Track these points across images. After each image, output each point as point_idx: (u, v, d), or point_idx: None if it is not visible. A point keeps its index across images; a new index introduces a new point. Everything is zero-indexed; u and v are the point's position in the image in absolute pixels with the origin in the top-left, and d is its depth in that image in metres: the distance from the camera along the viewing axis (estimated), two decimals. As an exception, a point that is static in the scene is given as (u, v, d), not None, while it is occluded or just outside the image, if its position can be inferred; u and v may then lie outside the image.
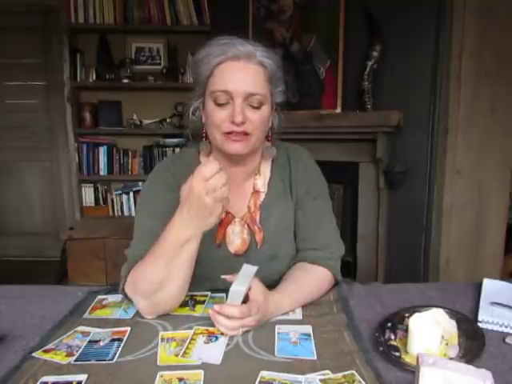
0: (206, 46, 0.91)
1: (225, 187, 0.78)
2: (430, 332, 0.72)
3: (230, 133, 0.90)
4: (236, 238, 1.00)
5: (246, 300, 0.81)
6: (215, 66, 0.90)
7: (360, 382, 0.66)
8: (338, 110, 2.37)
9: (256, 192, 1.03)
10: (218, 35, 0.92)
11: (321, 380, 0.66)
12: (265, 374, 0.68)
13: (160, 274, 0.83)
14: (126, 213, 3.38)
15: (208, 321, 0.83)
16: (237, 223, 1.00)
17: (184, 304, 0.92)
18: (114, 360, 0.73)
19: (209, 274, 0.96)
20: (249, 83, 0.88)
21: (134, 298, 0.89)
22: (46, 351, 0.76)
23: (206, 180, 0.76)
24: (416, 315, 0.75)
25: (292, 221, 1.04)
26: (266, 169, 1.05)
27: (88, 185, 3.38)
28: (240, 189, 1.03)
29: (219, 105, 0.90)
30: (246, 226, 1.00)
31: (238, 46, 0.88)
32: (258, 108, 0.90)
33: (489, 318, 0.83)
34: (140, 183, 3.31)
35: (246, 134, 0.90)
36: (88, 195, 3.40)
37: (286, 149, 1.07)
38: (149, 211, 0.96)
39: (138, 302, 0.88)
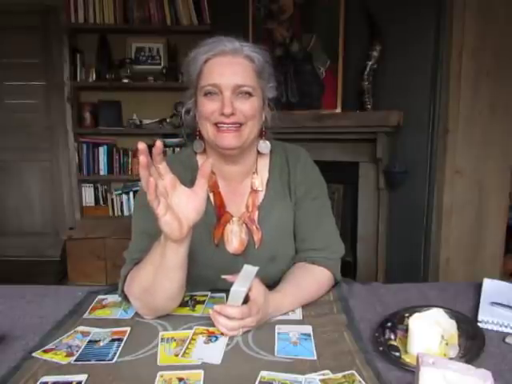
0: (195, 48, 0.94)
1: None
2: (429, 332, 0.71)
3: (220, 125, 0.91)
4: (234, 238, 1.00)
5: (246, 300, 0.81)
6: (203, 64, 0.92)
7: (360, 382, 0.66)
8: (338, 110, 2.37)
9: (254, 191, 1.02)
10: (218, 35, 0.94)
11: (321, 380, 0.66)
12: (265, 374, 0.68)
13: (148, 280, 0.83)
14: (126, 213, 3.38)
15: (208, 321, 0.83)
16: (235, 222, 1.00)
17: (184, 304, 0.92)
18: (114, 360, 0.73)
19: (207, 274, 0.96)
20: (236, 75, 0.90)
21: (130, 299, 0.89)
22: (45, 351, 0.76)
23: None
24: (416, 315, 0.75)
25: (291, 222, 1.04)
26: (263, 168, 1.04)
27: (88, 185, 3.38)
28: (237, 188, 1.03)
29: (209, 98, 0.91)
30: (244, 225, 1.00)
31: (224, 42, 0.91)
32: (247, 98, 0.91)
33: (489, 318, 0.83)
34: (140, 183, 3.31)
35: (239, 125, 0.91)
36: (88, 195, 3.40)
37: (284, 149, 1.06)
38: (144, 211, 0.95)
39: (133, 303, 0.89)
